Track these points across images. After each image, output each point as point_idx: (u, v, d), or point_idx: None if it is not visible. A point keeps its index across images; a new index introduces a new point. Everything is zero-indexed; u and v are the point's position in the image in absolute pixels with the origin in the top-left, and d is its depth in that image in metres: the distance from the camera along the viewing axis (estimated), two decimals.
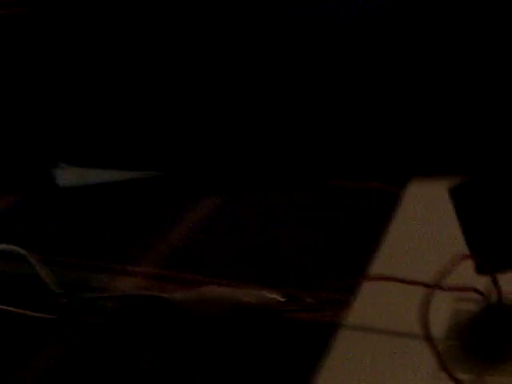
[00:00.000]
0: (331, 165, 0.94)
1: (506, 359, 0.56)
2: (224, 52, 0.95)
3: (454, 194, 0.60)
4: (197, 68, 0.96)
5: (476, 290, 0.61)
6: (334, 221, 0.83)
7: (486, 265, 0.59)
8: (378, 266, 0.71)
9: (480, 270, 0.59)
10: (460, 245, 0.60)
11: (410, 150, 0.92)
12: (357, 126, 0.94)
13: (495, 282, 0.59)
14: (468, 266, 0.59)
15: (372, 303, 0.65)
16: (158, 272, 0.75)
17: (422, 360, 0.55)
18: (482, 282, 0.60)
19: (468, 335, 0.60)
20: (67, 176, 0.97)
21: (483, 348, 0.58)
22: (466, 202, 0.60)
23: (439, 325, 0.60)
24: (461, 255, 0.56)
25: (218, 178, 0.95)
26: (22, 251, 0.74)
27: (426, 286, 0.58)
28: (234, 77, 0.96)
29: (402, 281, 0.61)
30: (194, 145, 0.98)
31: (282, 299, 0.65)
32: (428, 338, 0.53)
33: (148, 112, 0.99)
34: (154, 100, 0.98)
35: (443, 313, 0.62)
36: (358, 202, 0.87)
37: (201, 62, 0.95)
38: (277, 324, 0.64)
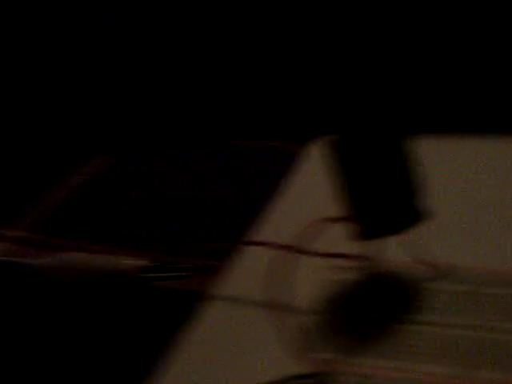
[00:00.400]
0: (231, 123, 0.88)
1: (379, 338, 0.52)
2: None
3: (330, 151, 0.54)
4: None
5: (353, 257, 0.56)
6: (225, 182, 0.78)
7: (364, 229, 0.53)
8: (261, 231, 0.65)
9: (356, 235, 0.53)
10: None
11: (315, 108, 0.87)
12: (257, 84, 0.89)
13: (372, 249, 0.54)
14: (346, 231, 0.54)
15: (245, 271, 0.60)
16: (25, 236, 0.70)
17: (285, 335, 0.49)
18: (360, 249, 0.55)
19: (340, 308, 0.55)
20: None
21: (356, 324, 0.53)
22: (341, 160, 0.54)
23: (309, 295, 0.55)
24: (326, 219, 0.50)
25: (110, 136, 0.89)
26: None
27: (297, 251, 0.53)
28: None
29: (275, 246, 0.56)
30: (81, 99, 0.92)
31: (147, 265, 0.59)
32: (283, 310, 0.48)
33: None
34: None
35: (314, 282, 0.57)
36: (255, 163, 0.82)
37: None
38: (138, 292, 0.59)
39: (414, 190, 0.54)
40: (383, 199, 0.53)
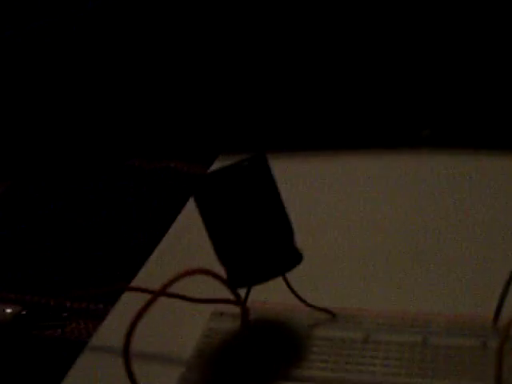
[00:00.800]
0: (129, 143, 0.85)
1: None
2: None
3: (196, 192, 0.50)
4: None
5: (233, 304, 0.52)
6: (118, 211, 0.74)
7: (239, 275, 0.50)
8: (145, 274, 0.62)
9: (232, 281, 0.50)
10: None
11: (218, 127, 0.85)
12: (158, 104, 0.87)
13: (238, 297, 0.51)
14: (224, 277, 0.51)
15: (125, 317, 0.56)
16: None
17: None
18: (240, 295, 0.52)
19: (218, 358, 0.52)
20: None
21: (231, 376, 0.50)
22: (208, 202, 0.50)
23: (188, 345, 0.52)
24: (203, 269, 0.48)
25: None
26: None
27: (177, 298, 0.50)
28: None
29: (155, 291, 0.53)
30: None
31: (26, 311, 0.56)
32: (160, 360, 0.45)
33: None
34: None
35: (194, 330, 0.54)
36: (153, 185, 0.78)
37: None
38: (15, 341, 0.55)
39: (289, 228, 0.50)
40: (257, 242, 0.49)
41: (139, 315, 0.46)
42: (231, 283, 0.50)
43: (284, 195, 0.51)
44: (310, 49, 0.84)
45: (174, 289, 0.49)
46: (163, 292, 0.47)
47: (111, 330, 0.56)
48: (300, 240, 0.51)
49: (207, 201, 0.50)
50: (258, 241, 0.49)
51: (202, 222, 0.50)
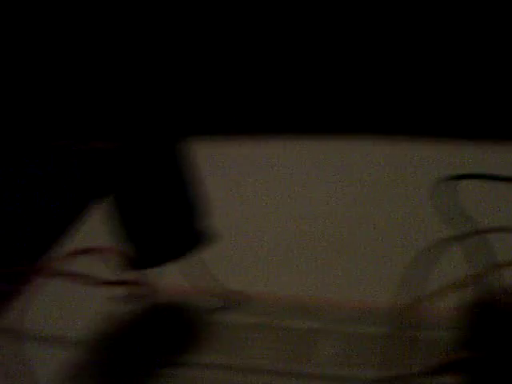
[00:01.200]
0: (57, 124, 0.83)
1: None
2: None
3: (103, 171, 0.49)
4: None
5: (132, 286, 0.51)
6: (34, 191, 0.72)
7: (140, 256, 0.48)
8: (57, 252, 0.61)
9: (132, 262, 0.49)
10: None
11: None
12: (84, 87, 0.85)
13: (152, 277, 0.50)
14: (123, 259, 0.49)
15: (24, 297, 0.54)
16: None
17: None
18: (140, 277, 0.50)
19: (116, 341, 0.51)
20: None
21: (129, 359, 0.49)
22: (115, 183, 0.49)
23: (83, 327, 0.51)
24: (97, 247, 0.46)
25: None
26: None
27: (75, 280, 0.49)
28: None
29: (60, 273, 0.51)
30: None
31: None
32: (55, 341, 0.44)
33: None
34: None
35: (91, 312, 0.53)
36: (72, 168, 0.76)
37: None
38: None
39: (195, 209, 0.50)
40: (159, 221, 0.48)
41: (31, 295, 0.44)
42: (136, 263, 0.49)
43: (213, 179, 0.53)
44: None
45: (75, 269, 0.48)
46: (64, 272, 0.46)
47: (8, 310, 0.54)
48: (217, 225, 0.51)
49: (113, 182, 0.48)
50: (161, 221, 0.48)
51: (110, 203, 0.49)
